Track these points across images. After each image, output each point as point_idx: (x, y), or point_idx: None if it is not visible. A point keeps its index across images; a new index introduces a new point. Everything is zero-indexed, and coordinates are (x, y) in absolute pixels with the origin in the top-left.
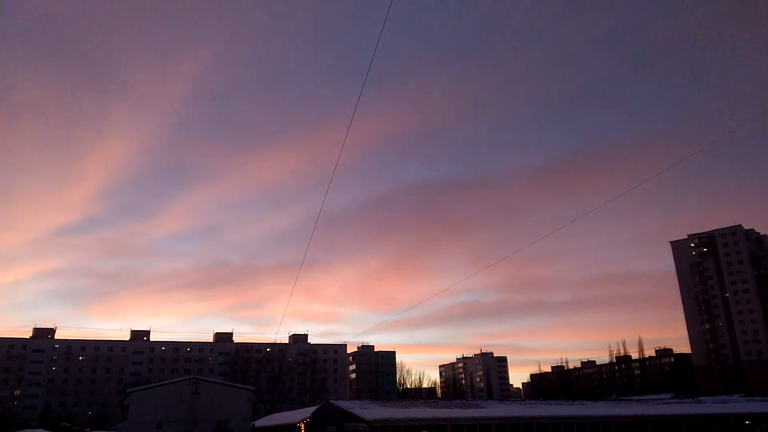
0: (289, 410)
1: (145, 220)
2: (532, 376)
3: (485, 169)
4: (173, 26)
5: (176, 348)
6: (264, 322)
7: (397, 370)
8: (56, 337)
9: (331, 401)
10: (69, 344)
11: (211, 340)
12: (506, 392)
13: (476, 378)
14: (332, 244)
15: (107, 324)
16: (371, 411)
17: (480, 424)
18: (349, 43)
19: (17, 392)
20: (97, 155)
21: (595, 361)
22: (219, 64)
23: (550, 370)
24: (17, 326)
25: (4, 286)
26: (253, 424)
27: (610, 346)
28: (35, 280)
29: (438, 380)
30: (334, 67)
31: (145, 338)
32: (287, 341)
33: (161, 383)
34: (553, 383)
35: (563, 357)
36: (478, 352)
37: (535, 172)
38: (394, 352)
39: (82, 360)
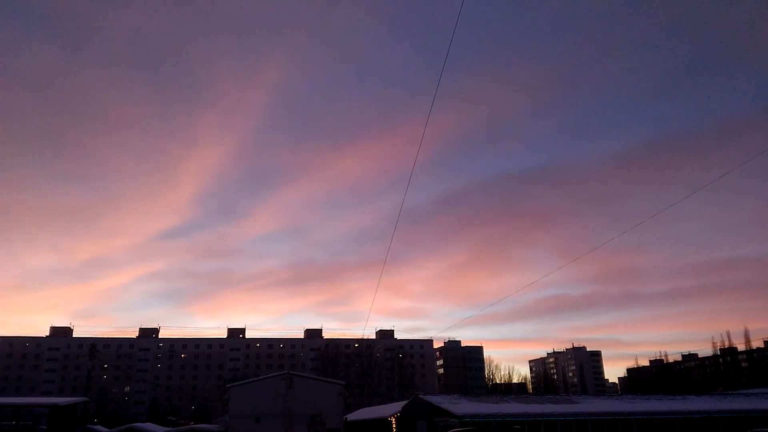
0: (378, 404)
1: (238, 222)
2: (628, 370)
3: (570, 157)
4: (254, 36)
5: (270, 344)
6: (350, 318)
7: (486, 365)
8: (160, 336)
9: (420, 396)
10: (172, 343)
11: (302, 337)
12: (601, 387)
13: (569, 373)
14: (414, 239)
15: (206, 322)
16: (461, 406)
17: (575, 420)
18: (422, 36)
19: (127, 388)
20: (190, 163)
21: (697, 354)
22: (298, 68)
23: (647, 364)
24: (125, 326)
25: (112, 289)
26: (346, 418)
27: (713, 338)
28: (139, 282)
29: (528, 375)
30: (408, 63)
31: (240, 336)
32: (374, 337)
33: (257, 378)
34: (652, 377)
35: (662, 350)
36: (569, 346)
37: (625, 157)
38: (481, 347)
39: (184, 357)
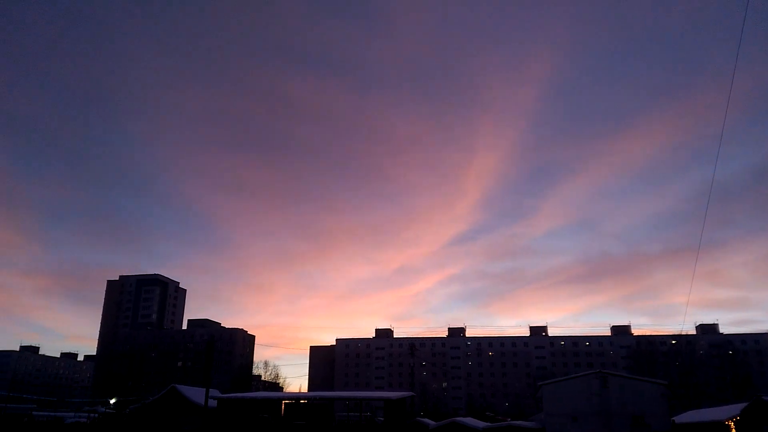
0: (708, 407)
1: (524, 222)
2: None
3: None
4: (517, 36)
5: (575, 342)
6: (660, 312)
7: None
8: (466, 335)
9: (765, 398)
10: (478, 341)
11: (607, 333)
12: None
13: None
14: (730, 218)
15: (505, 321)
16: None
17: None
18: None
19: (444, 384)
20: (471, 170)
21: None
22: (565, 57)
23: None
24: (435, 327)
25: (419, 293)
26: (673, 420)
27: None
28: (441, 286)
29: None
30: (694, 20)
31: (543, 333)
32: (694, 332)
33: (569, 377)
34: None
35: None
36: None
37: None
38: None
39: (491, 355)
